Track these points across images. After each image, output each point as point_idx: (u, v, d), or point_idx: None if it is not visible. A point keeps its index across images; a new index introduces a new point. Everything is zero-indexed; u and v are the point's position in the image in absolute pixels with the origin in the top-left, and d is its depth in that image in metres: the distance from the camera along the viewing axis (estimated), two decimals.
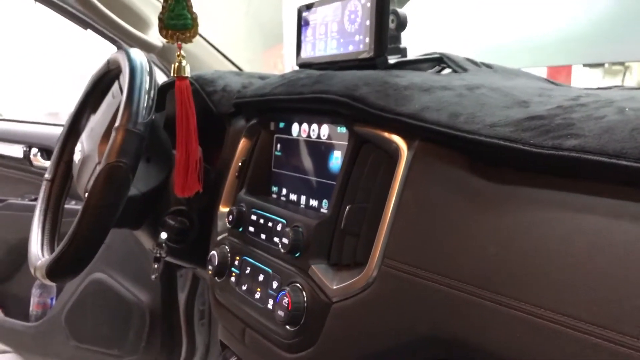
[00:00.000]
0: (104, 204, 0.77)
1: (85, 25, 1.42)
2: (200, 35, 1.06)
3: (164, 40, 1.23)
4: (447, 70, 0.73)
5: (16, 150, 1.66)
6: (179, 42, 0.68)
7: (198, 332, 1.58)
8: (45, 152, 1.65)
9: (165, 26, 0.66)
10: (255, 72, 1.01)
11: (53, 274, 0.83)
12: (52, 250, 0.94)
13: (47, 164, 1.66)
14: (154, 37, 1.26)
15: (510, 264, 0.46)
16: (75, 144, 1.03)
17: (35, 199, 1.66)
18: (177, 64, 0.71)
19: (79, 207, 1.32)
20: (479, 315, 0.47)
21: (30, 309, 1.68)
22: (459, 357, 0.52)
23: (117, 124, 0.78)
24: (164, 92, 0.96)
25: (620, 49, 1.16)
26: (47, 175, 1.04)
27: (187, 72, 0.72)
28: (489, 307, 0.46)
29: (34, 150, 1.65)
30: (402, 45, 0.74)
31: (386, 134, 0.59)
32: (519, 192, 0.48)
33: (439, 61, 0.71)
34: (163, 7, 0.66)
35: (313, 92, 0.65)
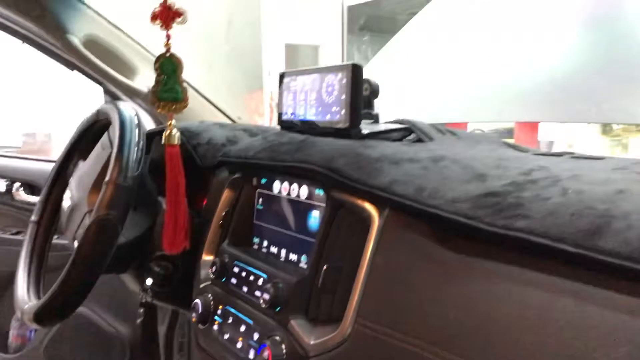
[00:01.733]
0: (94, 255, 0.81)
1: (72, 66, 1.47)
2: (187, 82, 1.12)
3: (149, 86, 1.28)
4: (412, 135, 0.79)
5: None
6: (171, 113, 0.74)
7: None
8: (28, 187, 1.67)
9: (159, 99, 0.72)
10: (238, 125, 1.07)
11: (40, 319, 0.87)
12: (38, 292, 0.98)
13: (30, 198, 1.69)
14: (139, 82, 1.31)
15: (467, 328, 0.52)
16: (62, 189, 1.07)
17: (17, 233, 1.69)
18: (167, 132, 0.76)
19: (65, 241, 1.35)
20: None
21: (9, 340, 1.69)
22: None
23: (107, 177, 0.83)
24: (150, 138, 1.01)
25: (582, 109, 1.24)
26: (33, 217, 1.07)
27: (177, 141, 0.77)
28: None
29: (17, 184, 1.67)
30: (375, 111, 0.81)
31: (360, 202, 0.65)
32: (476, 263, 0.55)
33: (407, 130, 0.78)
34: (156, 82, 0.71)
35: (294, 160, 0.71)
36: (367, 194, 0.64)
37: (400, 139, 0.77)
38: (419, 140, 0.77)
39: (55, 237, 1.34)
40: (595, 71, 1.25)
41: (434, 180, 0.61)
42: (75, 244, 0.92)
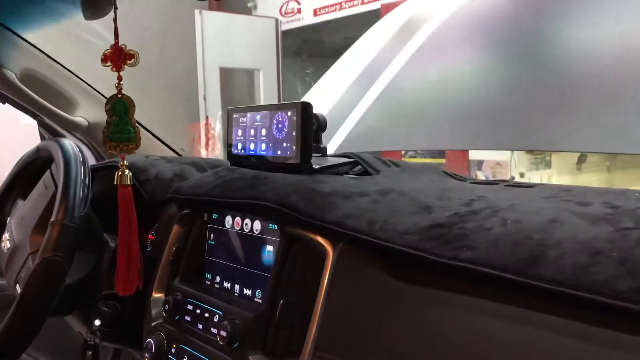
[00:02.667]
0: (40, 298, 0.79)
1: (3, 99, 1.42)
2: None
3: (90, 119, 1.26)
4: (358, 168, 0.83)
5: None
6: (122, 153, 0.73)
7: None
8: None
9: (110, 139, 0.71)
10: (185, 158, 1.07)
11: None
12: None
13: None
14: (78, 116, 1.29)
15: (421, 355, 0.55)
16: (0, 229, 1.03)
17: None
18: (120, 172, 0.76)
19: (3, 281, 1.28)
20: None
21: None
22: None
23: (53, 218, 0.81)
24: (93, 174, 0.99)
25: (506, 138, 1.32)
26: None
27: (130, 181, 0.77)
28: None
29: None
30: (323, 145, 0.84)
31: (314, 236, 0.67)
32: (426, 292, 0.58)
33: (355, 163, 0.81)
34: (107, 123, 0.71)
35: (248, 197, 0.73)
36: (321, 229, 0.66)
37: (347, 172, 0.80)
38: (365, 172, 0.80)
39: None
40: (519, 100, 1.34)
41: (383, 214, 0.65)
42: (18, 288, 0.89)
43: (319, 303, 0.64)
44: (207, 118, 4.99)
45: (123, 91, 0.73)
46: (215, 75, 5.31)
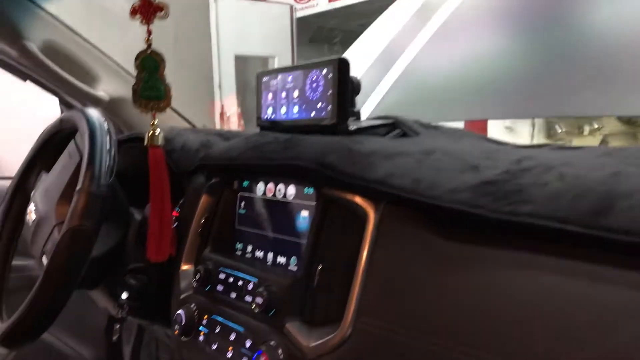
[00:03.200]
0: (67, 268, 0.77)
1: (24, 76, 1.40)
2: None
3: (111, 94, 1.24)
4: (397, 131, 0.79)
5: None
6: (153, 112, 0.70)
7: None
8: None
9: (140, 97, 0.68)
10: (211, 129, 1.04)
11: (9, 342, 0.81)
12: (1, 315, 0.91)
13: None
14: (100, 90, 1.26)
15: (476, 318, 0.51)
16: (24, 203, 1.01)
17: None
18: (150, 132, 0.73)
19: (27, 262, 1.27)
20: None
21: None
22: None
23: (79, 186, 0.79)
24: (117, 146, 0.96)
25: (534, 105, 1.28)
26: None
27: (160, 141, 0.74)
28: None
29: None
30: (357, 108, 0.80)
31: (353, 198, 0.63)
32: (479, 252, 0.54)
33: (392, 126, 0.77)
34: (137, 79, 0.68)
35: (284, 158, 0.69)
36: (361, 189, 0.62)
37: (385, 134, 0.76)
38: (404, 135, 0.76)
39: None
40: (540, 67, 1.29)
41: (429, 173, 0.61)
42: (44, 259, 0.87)
43: (360, 267, 0.61)
44: (222, 107, 4.97)
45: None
46: (230, 63, 5.28)
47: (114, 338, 0.91)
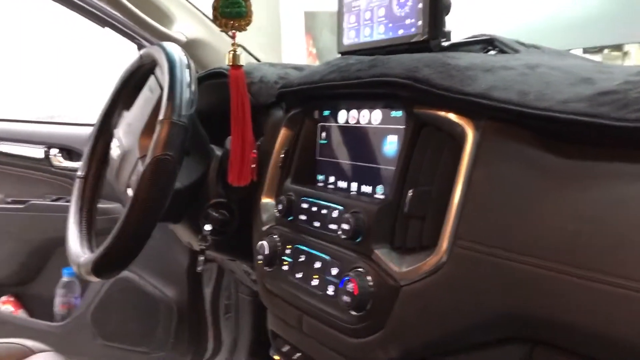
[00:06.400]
0: (152, 198, 0.77)
1: (103, 22, 1.42)
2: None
3: (188, 35, 1.22)
4: (493, 51, 0.73)
5: (35, 151, 1.65)
6: (234, 31, 0.68)
7: (224, 327, 1.58)
8: (66, 152, 1.64)
9: (220, 14, 0.66)
10: (288, 63, 1.00)
11: (99, 270, 0.83)
12: (91, 246, 0.94)
13: (67, 163, 1.66)
14: (177, 32, 1.26)
15: (595, 238, 0.46)
16: (108, 141, 1.02)
17: (58, 199, 1.67)
18: (232, 53, 0.70)
19: (108, 205, 1.31)
20: (563, 291, 0.47)
21: (55, 308, 1.68)
22: (534, 334, 0.52)
23: (160, 117, 0.78)
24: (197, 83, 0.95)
25: (620, 32, 1.16)
26: (80, 173, 1.03)
27: (242, 61, 0.72)
28: (573, 283, 0.46)
29: (54, 150, 1.64)
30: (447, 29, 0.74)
31: (449, 115, 0.58)
32: (597, 167, 0.48)
33: (489, 43, 0.71)
34: None
35: (372, 76, 0.65)
36: (459, 105, 0.57)
37: (481, 52, 0.70)
38: (502, 53, 0.70)
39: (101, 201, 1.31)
40: None
41: (536, 85, 0.55)
42: (129, 191, 0.88)
43: (456, 188, 0.56)
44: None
45: None
46: (299, 19, 5.20)
47: (198, 269, 0.91)
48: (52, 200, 1.64)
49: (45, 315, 1.69)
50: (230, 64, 0.72)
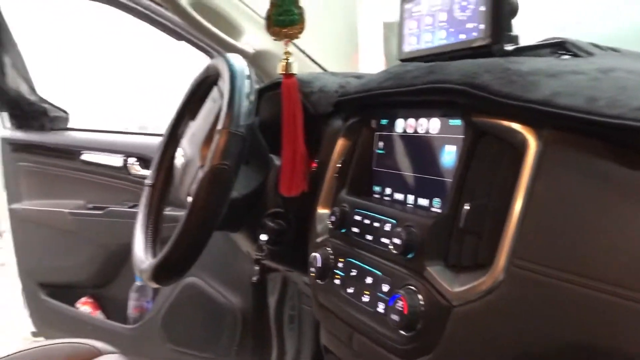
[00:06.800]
0: (209, 206, 0.78)
1: (179, 37, 1.47)
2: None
3: (255, 47, 1.24)
4: (565, 55, 0.67)
5: (116, 160, 1.74)
6: (287, 39, 0.67)
7: (288, 336, 1.58)
8: (142, 161, 1.71)
9: (274, 23, 0.65)
10: (350, 72, 0.99)
11: (158, 277, 0.85)
12: (154, 253, 0.96)
13: (143, 172, 1.73)
14: (245, 44, 1.28)
15: None
16: (175, 150, 1.05)
17: (134, 206, 1.74)
18: (285, 61, 0.70)
19: (177, 212, 1.33)
20: (629, 322, 0.42)
21: (129, 311, 1.75)
22: None
23: (219, 126, 0.79)
24: (260, 94, 0.96)
25: None
26: (148, 181, 1.07)
27: (295, 70, 0.71)
28: None
29: (132, 159, 1.72)
30: (514, 33, 0.69)
31: (509, 124, 0.54)
32: None
33: (560, 46, 0.65)
34: (271, 5, 0.65)
35: (428, 82, 0.62)
36: (520, 113, 0.53)
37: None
38: (575, 57, 0.64)
39: (168, 209, 1.35)
40: None
41: (608, 91, 0.50)
42: (189, 199, 0.89)
43: (515, 203, 0.51)
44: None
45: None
46: (378, 30, 5.18)
47: (254, 279, 0.91)
48: (129, 207, 1.72)
49: (120, 317, 1.76)
50: (283, 72, 0.71)
